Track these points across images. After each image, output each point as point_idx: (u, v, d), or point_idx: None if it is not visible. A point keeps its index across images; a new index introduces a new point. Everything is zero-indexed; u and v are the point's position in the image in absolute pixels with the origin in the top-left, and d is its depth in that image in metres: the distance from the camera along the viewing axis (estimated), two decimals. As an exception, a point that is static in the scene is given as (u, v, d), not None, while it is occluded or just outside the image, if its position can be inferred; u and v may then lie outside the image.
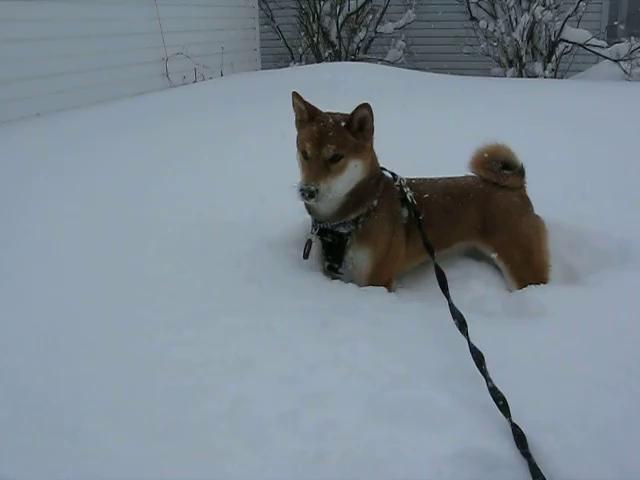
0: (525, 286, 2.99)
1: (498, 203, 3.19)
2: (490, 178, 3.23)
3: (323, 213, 2.93)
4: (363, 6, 13.19)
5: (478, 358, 2.18)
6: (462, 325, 2.37)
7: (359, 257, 2.95)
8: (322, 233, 2.98)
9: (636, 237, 3.29)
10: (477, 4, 11.54)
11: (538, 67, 10.91)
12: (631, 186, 4.00)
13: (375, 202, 2.94)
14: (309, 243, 3.00)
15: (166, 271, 2.97)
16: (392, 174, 3.11)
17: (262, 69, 12.53)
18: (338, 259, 3.00)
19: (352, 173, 2.82)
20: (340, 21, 13.14)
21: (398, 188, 3.05)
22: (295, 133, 2.93)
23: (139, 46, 9.05)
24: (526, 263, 3.11)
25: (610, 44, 10.80)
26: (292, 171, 2.86)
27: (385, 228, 2.96)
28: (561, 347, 2.37)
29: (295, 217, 3.08)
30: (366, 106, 2.78)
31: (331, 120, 2.80)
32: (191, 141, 5.15)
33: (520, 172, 3.26)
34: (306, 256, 3.01)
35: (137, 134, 5.49)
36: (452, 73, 9.72)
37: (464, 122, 5.15)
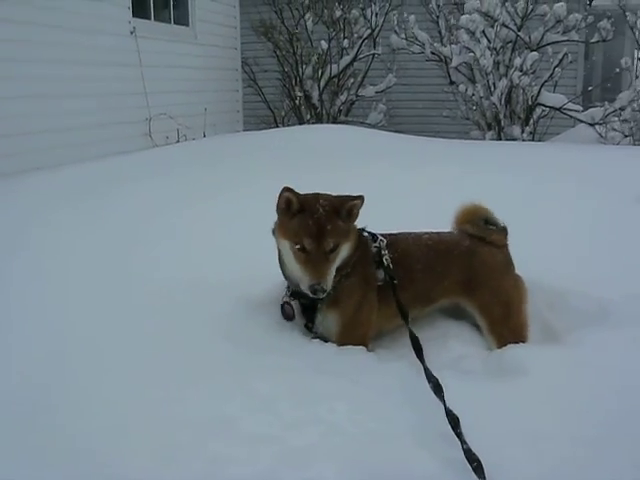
0: (504, 344, 2.98)
1: (483, 260, 3.21)
2: (476, 233, 3.26)
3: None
4: (345, 70, 13.42)
5: (454, 421, 2.18)
6: (437, 389, 2.37)
7: (328, 320, 2.97)
8: (295, 296, 3.01)
9: (615, 296, 3.31)
10: (456, 69, 11.80)
11: (516, 130, 11.12)
12: (610, 244, 4.06)
13: (348, 269, 2.97)
14: (289, 306, 3.02)
15: (147, 332, 2.93)
16: (372, 235, 3.12)
17: (244, 130, 12.67)
18: (312, 319, 3.02)
19: (343, 255, 2.90)
20: (322, 84, 13.35)
21: (375, 249, 3.07)
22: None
23: (123, 106, 9.13)
24: (505, 320, 3.11)
25: (585, 108, 11.10)
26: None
27: (355, 293, 2.99)
28: (541, 406, 2.37)
29: (274, 277, 3.09)
30: (360, 198, 2.88)
31: (322, 211, 2.83)
32: (172, 200, 5.13)
33: (503, 230, 3.30)
34: (290, 318, 3.03)
35: (117, 193, 5.44)
36: (432, 136, 9.86)
37: (445, 182, 5.22)
